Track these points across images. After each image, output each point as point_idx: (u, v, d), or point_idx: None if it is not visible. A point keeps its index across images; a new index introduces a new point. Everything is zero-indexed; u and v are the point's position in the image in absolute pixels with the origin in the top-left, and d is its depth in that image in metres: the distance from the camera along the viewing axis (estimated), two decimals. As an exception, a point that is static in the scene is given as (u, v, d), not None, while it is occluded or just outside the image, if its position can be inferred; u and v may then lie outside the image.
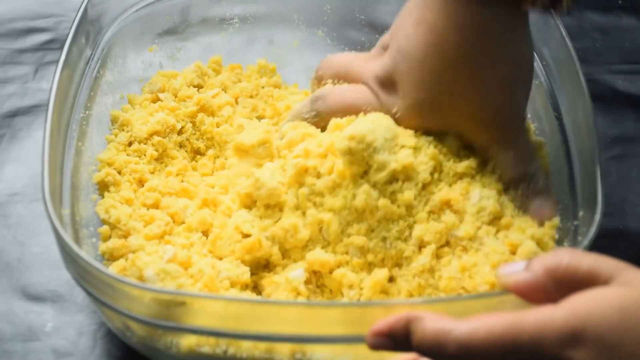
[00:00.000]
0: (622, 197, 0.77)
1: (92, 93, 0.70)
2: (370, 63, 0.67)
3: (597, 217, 0.57)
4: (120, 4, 0.75)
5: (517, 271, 0.48)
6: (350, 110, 0.66)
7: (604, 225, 0.57)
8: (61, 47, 0.66)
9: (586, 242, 0.56)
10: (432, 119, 0.64)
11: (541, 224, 0.63)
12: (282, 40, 0.82)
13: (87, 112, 0.68)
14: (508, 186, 0.64)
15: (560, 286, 0.47)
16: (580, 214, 0.62)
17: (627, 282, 0.45)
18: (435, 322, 0.47)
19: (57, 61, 0.65)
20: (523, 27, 0.63)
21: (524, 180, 0.64)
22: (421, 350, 0.48)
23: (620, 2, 0.93)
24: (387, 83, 0.65)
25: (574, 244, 0.61)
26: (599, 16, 0.92)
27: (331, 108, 0.67)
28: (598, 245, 0.56)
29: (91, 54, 0.71)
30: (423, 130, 0.64)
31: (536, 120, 0.73)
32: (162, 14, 0.78)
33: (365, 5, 0.82)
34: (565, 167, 0.67)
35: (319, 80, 0.70)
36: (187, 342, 0.57)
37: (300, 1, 0.81)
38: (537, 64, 0.73)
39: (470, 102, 0.62)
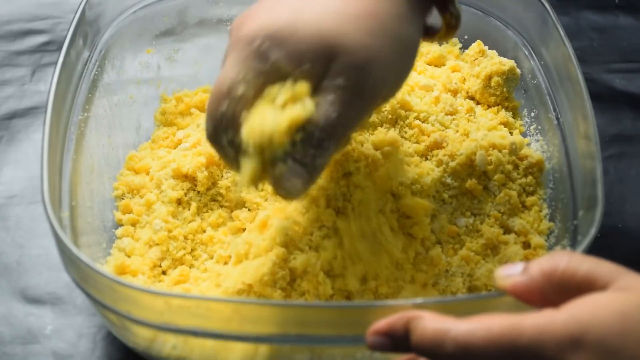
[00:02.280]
0: (621, 196, 0.77)
1: (90, 95, 0.70)
2: None
3: (597, 217, 0.57)
4: (118, 6, 0.74)
5: (514, 274, 0.48)
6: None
7: (602, 224, 0.57)
8: (59, 49, 0.66)
9: (586, 242, 0.56)
10: None
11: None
12: (280, 41, 0.81)
13: (86, 114, 0.68)
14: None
15: (557, 290, 0.47)
16: (580, 213, 0.62)
17: (626, 286, 0.45)
18: (435, 321, 0.47)
19: (55, 63, 0.65)
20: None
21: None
22: (420, 350, 0.47)
23: (617, 1, 0.93)
24: None
25: (574, 243, 0.61)
26: (596, 16, 0.92)
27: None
28: (596, 244, 0.56)
29: (89, 56, 0.71)
30: None
31: (536, 120, 0.73)
32: (159, 15, 0.78)
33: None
34: (565, 167, 0.67)
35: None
36: (186, 343, 0.57)
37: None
38: (536, 64, 0.73)
39: None
